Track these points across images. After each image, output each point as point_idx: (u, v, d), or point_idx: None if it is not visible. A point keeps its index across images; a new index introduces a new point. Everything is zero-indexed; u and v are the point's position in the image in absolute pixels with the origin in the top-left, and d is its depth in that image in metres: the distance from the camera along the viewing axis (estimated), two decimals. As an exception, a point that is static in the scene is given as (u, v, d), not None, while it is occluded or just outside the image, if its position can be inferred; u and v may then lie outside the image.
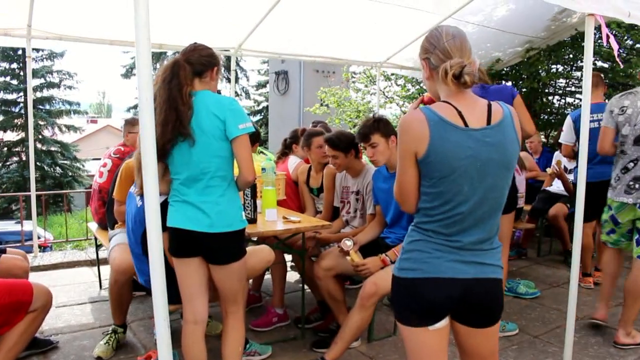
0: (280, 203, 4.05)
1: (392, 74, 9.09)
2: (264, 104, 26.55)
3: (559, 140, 4.91)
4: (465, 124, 1.68)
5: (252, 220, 3.29)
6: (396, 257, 3.12)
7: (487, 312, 1.80)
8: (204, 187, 2.41)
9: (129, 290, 3.38)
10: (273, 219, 3.42)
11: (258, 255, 3.00)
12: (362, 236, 3.42)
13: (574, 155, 4.74)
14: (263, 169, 3.55)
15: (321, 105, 11.18)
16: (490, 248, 1.77)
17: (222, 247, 2.45)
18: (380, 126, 3.25)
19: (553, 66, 7.64)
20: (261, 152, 6.34)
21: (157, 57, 16.10)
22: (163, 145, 2.35)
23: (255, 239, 3.54)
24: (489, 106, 1.73)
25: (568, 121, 4.66)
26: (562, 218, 5.40)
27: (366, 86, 10.82)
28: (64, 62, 23.88)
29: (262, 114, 26.95)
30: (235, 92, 26.91)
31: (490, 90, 3.30)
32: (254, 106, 28.07)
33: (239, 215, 2.48)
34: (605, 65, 7.28)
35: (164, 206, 2.52)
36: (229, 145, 2.41)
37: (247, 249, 2.66)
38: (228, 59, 6.60)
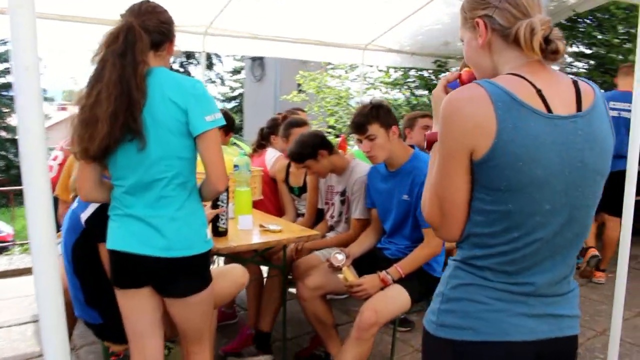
0: (256, 204, 3.47)
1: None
2: (239, 91, 25.87)
3: None
4: (549, 110, 1.11)
5: (225, 232, 2.69)
6: (399, 275, 2.57)
7: None
8: (156, 197, 1.82)
9: (72, 310, 2.76)
10: (248, 227, 2.82)
11: (228, 278, 2.38)
12: (356, 247, 2.84)
13: None
14: (235, 166, 2.95)
15: (299, 92, 10.57)
16: (568, 290, 1.24)
17: (181, 276, 1.86)
18: (379, 114, 2.63)
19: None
20: (234, 143, 5.70)
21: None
22: (107, 146, 1.74)
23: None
24: (576, 84, 1.18)
25: None
26: None
27: (346, 72, 10.25)
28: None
29: (237, 100, 26.27)
30: (210, 79, 26.18)
31: None
32: (228, 92, 27.39)
33: (203, 233, 1.90)
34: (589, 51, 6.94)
35: (104, 218, 1.94)
36: (192, 142, 1.82)
37: (214, 270, 2.10)
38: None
